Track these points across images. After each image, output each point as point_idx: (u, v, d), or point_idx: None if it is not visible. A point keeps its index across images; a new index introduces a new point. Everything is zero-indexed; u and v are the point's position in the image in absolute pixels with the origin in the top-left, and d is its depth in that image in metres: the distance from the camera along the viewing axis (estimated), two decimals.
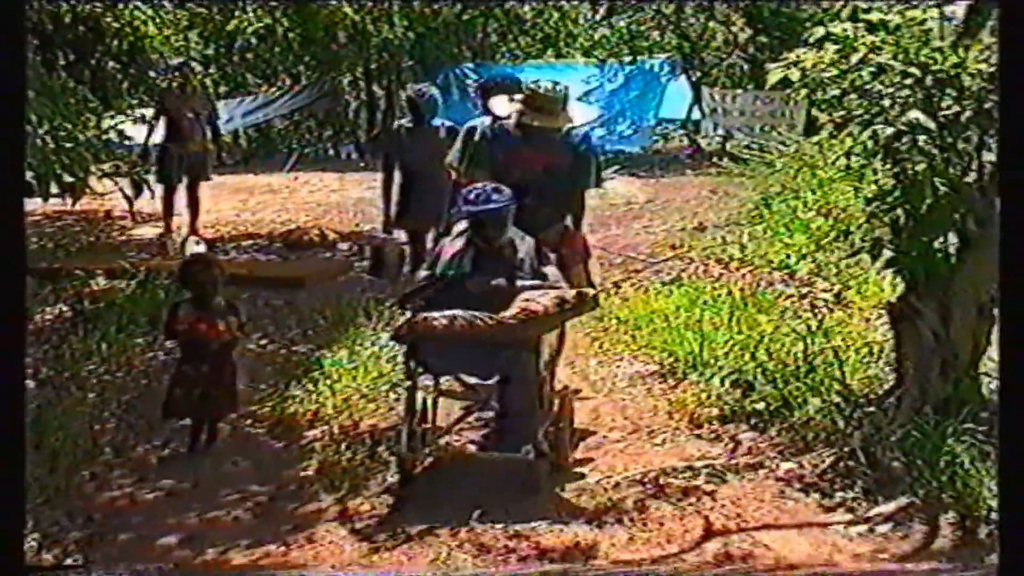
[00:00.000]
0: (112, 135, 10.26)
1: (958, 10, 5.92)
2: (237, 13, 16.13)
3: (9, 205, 2.24)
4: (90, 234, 14.25)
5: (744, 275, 10.72)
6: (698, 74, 23.55)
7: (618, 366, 8.07)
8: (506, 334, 6.24)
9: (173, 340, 7.41)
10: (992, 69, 5.58)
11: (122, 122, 11.04)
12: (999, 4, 5.03)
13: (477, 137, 7.60)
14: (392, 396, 7.63)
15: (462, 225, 6.88)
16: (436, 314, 6.24)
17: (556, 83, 7.67)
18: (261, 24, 18.17)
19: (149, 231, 14.37)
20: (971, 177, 6.08)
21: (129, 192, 9.38)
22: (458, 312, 6.21)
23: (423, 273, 6.87)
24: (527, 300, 6.30)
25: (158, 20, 16.29)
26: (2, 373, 2.11)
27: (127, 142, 10.73)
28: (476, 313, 6.19)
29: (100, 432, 7.26)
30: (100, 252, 12.90)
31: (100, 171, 9.35)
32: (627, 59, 23.19)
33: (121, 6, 12.05)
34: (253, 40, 22.30)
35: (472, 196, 6.70)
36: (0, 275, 2.17)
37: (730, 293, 9.51)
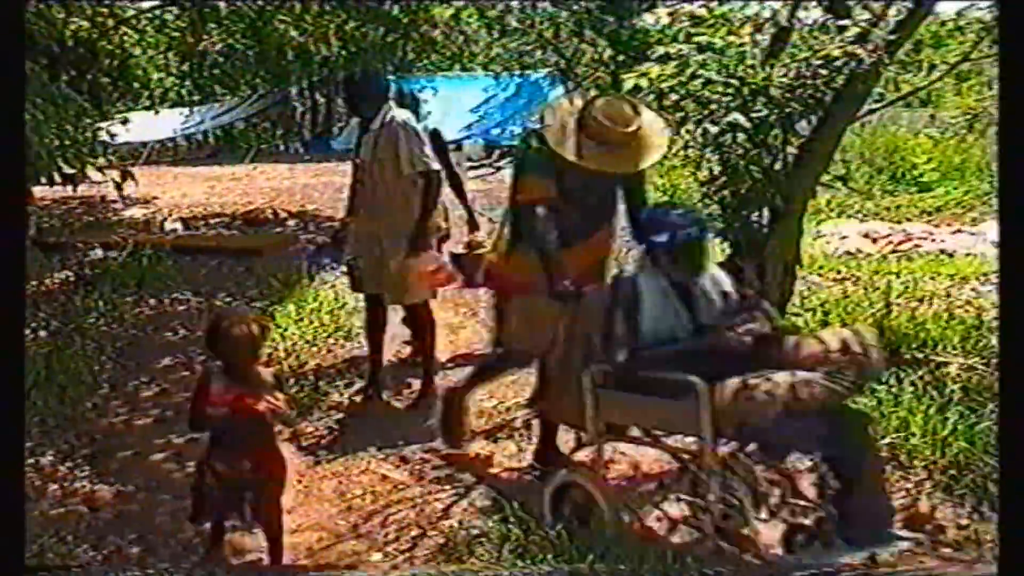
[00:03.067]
0: (104, 135, 10.13)
1: (766, 37, 6.00)
2: (205, 36, 15.84)
3: (9, 199, 2.17)
4: (89, 214, 14.05)
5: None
6: (572, 84, 23.57)
7: None
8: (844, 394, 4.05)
9: (202, 428, 4.54)
10: (790, 82, 5.72)
11: (112, 124, 10.86)
12: (1000, 4, 4.47)
13: (534, 143, 5.16)
14: (331, 341, 7.65)
15: (638, 256, 4.58)
16: (783, 378, 3.94)
17: (631, 104, 5.03)
18: (224, 44, 17.87)
19: (136, 212, 14.21)
20: (778, 165, 6.17)
21: (119, 181, 9.30)
22: (803, 375, 3.95)
23: (621, 326, 4.31)
24: (860, 345, 4.03)
25: (143, 43, 16.01)
26: (2, 374, 2.04)
27: (115, 140, 10.60)
28: (818, 374, 3.95)
29: (99, 371, 7.20)
30: (97, 229, 12.72)
31: (95, 164, 9.25)
32: (517, 73, 23.16)
33: (112, 32, 11.81)
34: (220, 58, 22.00)
35: (673, 219, 4.46)
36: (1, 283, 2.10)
37: None
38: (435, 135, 7.03)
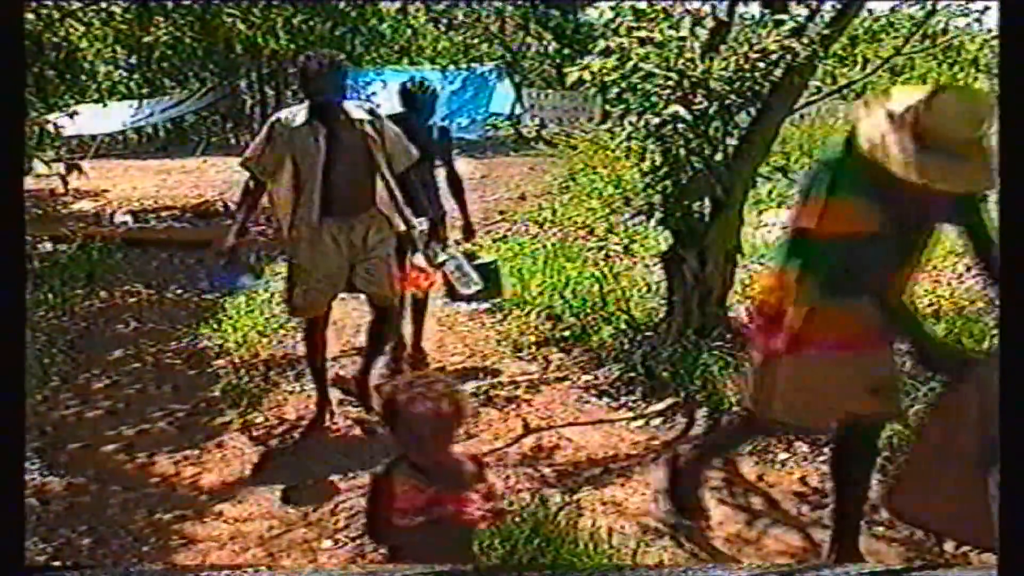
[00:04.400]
0: (50, 128, 10.00)
1: (706, 31, 6.03)
2: (152, 29, 15.65)
3: (9, 196, 2.12)
4: (37, 208, 13.86)
5: (555, 233, 10.84)
6: (519, 77, 23.61)
7: (459, 305, 8.09)
8: None
9: (386, 541, 3.30)
10: (729, 75, 5.76)
11: (59, 117, 10.71)
12: (999, 4, 3.93)
13: (848, 156, 3.58)
14: (282, 332, 7.61)
15: None
16: None
17: (978, 97, 3.57)
18: (170, 36, 17.68)
19: (86, 205, 14.05)
20: (719, 156, 6.22)
21: (64, 174, 9.20)
22: None
23: None
24: None
25: (90, 35, 15.78)
26: (1, 372, 2.00)
27: (62, 133, 10.47)
28: None
29: (49, 364, 7.11)
30: (46, 222, 12.56)
31: (42, 157, 9.12)
32: (463, 66, 23.18)
33: (58, 24, 11.62)
34: (168, 52, 21.81)
35: None
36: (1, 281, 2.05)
37: (544, 247, 9.62)
38: (443, 131, 7.08)
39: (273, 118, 5.61)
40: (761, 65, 5.79)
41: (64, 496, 5.17)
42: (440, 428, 3.03)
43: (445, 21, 23.55)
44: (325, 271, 5.64)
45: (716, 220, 6.42)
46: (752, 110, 6.18)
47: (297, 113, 5.52)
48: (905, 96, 3.56)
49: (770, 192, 10.69)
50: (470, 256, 6.63)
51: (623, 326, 7.02)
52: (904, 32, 7.43)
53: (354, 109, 5.63)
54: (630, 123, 6.23)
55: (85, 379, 6.93)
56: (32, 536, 4.70)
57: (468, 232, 7.10)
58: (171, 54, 22.10)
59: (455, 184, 7.04)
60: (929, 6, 7.13)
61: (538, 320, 7.53)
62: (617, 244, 9.70)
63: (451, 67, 23.24)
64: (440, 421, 3.02)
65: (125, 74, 23.86)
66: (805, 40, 5.70)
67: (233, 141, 24.10)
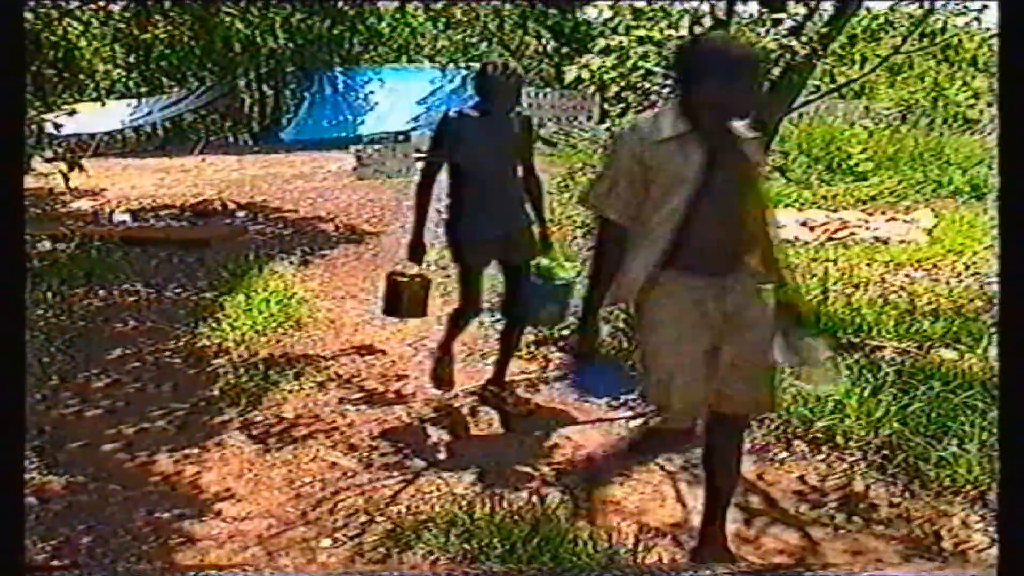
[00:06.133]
0: (49, 127, 10.00)
1: (703, 31, 6.04)
2: (150, 27, 15.66)
3: (9, 195, 2.10)
4: (36, 207, 13.86)
5: (553, 232, 10.80)
6: None
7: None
8: None
9: None
10: None
11: (58, 116, 10.71)
12: (999, 3, 3.73)
13: None
14: (281, 331, 7.61)
15: None
16: None
17: None
18: (168, 35, 17.68)
19: (85, 204, 14.05)
20: None
21: (64, 172, 9.20)
22: None
23: None
24: None
25: (88, 34, 15.79)
26: (1, 371, 1.99)
27: (61, 131, 10.47)
28: None
29: (48, 364, 7.11)
30: (45, 221, 12.56)
31: (42, 156, 9.12)
32: (462, 64, 23.17)
33: (57, 23, 11.63)
34: (167, 50, 21.82)
35: None
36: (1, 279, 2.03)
37: None
38: (526, 122, 5.82)
39: (625, 129, 4.08)
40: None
41: (63, 495, 5.16)
42: None
43: (444, 20, 23.57)
44: (692, 355, 3.76)
45: None
46: None
47: (663, 120, 3.70)
48: None
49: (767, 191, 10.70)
50: (549, 273, 5.92)
51: (622, 324, 7.01)
52: (903, 31, 7.45)
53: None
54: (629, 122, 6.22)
55: (84, 378, 6.92)
56: (31, 535, 4.69)
57: (546, 245, 6.03)
58: (169, 53, 22.16)
59: (535, 187, 5.91)
60: (927, 5, 7.14)
61: None
62: None
63: (450, 66, 23.23)
64: None
65: (124, 73, 23.86)
66: (803, 39, 5.72)
67: (231, 140, 24.14)
